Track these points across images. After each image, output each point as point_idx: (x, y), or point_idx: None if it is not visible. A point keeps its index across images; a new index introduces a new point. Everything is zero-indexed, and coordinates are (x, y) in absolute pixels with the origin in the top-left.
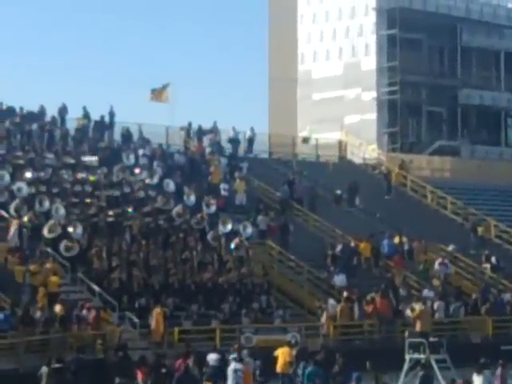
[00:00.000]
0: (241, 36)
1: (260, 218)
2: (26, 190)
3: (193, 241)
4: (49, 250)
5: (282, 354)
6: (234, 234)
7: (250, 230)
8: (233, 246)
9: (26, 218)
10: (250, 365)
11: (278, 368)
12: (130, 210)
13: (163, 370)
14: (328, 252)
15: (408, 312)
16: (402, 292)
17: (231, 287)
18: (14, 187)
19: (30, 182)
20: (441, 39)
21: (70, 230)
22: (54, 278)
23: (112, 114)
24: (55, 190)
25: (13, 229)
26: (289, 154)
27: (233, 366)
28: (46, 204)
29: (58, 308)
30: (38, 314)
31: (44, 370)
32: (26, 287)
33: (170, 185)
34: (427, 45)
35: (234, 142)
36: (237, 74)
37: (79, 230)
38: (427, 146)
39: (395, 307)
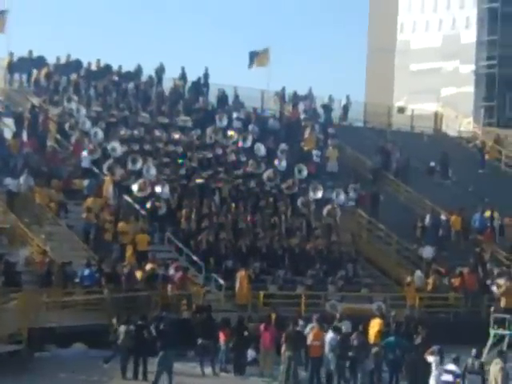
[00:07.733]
0: (341, 5)
1: (351, 186)
2: (119, 150)
3: (282, 206)
4: (137, 207)
5: (373, 326)
6: (324, 200)
7: (342, 197)
8: (325, 212)
9: (118, 176)
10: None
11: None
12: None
13: (245, 333)
14: (418, 223)
15: (494, 288)
16: (491, 267)
17: (318, 254)
18: (109, 147)
19: (122, 140)
20: None
21: (158, 189)
22: (143, 237)
23: (207, 76)
24: (147, 149)
25: (108, 186)
26: (383, 123)
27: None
28: (139, 163)
29: (145, 266)
30: (125, 271)
31: (122, 327)
32: (115, 244)
33: (261, 149)
34: None
35: (328, 108)
36: (335, 43)
37: (167, 189)
38: None
39: (482, 282)
